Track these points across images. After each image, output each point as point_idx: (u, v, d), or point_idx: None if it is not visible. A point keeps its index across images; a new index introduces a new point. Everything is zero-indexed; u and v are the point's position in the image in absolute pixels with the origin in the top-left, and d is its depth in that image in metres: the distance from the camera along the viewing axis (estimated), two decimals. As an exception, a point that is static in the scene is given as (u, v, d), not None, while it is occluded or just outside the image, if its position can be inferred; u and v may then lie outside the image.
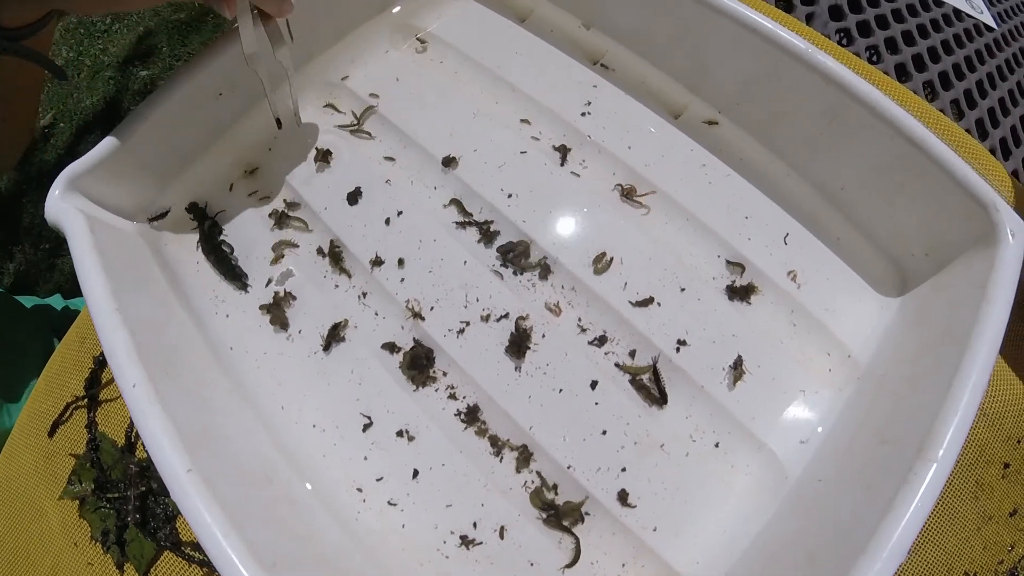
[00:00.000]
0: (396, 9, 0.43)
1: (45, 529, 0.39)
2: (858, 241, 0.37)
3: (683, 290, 0.34)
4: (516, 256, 0.34)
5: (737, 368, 0.33)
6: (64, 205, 0.33)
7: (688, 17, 0.36)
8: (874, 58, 0.47)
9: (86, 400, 0.41)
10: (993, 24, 0.54)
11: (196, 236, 0.38)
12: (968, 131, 0.47)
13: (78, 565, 0.35)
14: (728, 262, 0.35)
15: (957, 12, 0.53)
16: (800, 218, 0.37)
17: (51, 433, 0.41)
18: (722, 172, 0.37)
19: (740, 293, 0.35)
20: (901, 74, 0.47)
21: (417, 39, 0.43)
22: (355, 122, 0.40)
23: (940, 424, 0.26)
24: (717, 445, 0.32)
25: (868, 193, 0.36)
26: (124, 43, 1.49)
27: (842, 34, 0.48)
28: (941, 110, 0.46)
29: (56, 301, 0.63)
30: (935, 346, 0.31)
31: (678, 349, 0.33)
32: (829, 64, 0.33)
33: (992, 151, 0.47)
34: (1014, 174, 0.48)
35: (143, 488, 0.37)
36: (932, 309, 0.33)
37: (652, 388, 0.33)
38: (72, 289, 0.70)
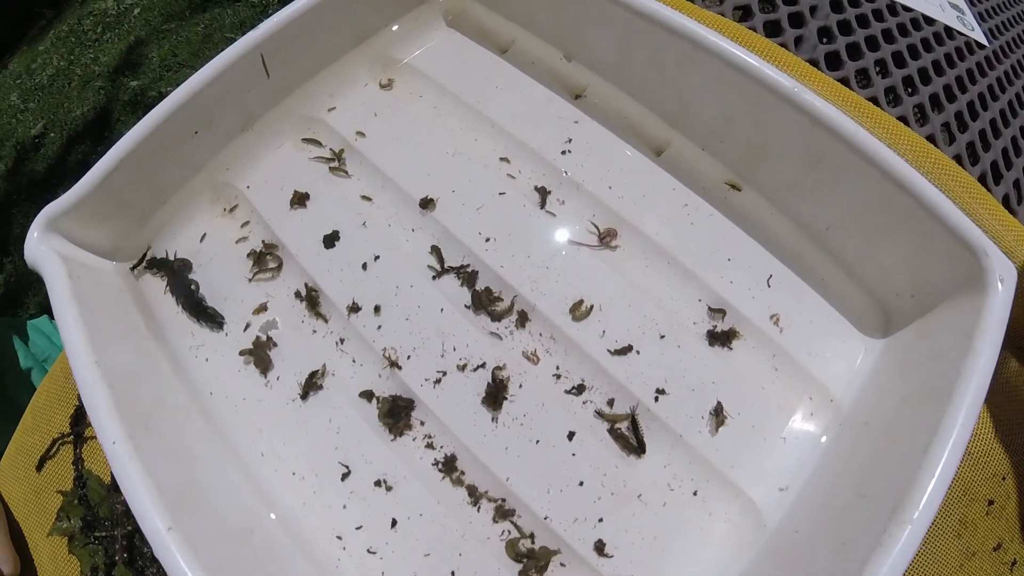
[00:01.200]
0: (375, 41, 0.42)
1: (37, 562, 0.39)
2: (843, 281, 0.36)
3: (663, 337, 0.33)
4: (493, 303, 0.34)
5: (717, 415, 0.32)
6: (43, 248, 0.33)
7: (667, 50, 0.35)
8: (864, 82, 0.45)
9: (72, 437, 0.41)
10: (984, 41, 0.53)
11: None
12: (959, 156, 0.45)
13: None
14: (709, 307, 0.34)
15: (948, 30, 0.52)
16: (784, 259, 0.36)
17: (39, 468, 0.41)
18: (705, 212, 0.36)
19: (721, 339, 0.34)
20: (891, 98, 0.46)
21: (395, 72, 0.42)
22: (333, 158, 0.39)
23: (917, 485, 0.25)
24: (695, 493, 0.32)
25: (854, 234, 0.35)
26: (114, 52, 1.48)
27: (832, 58, 0.46)
28: (931, 136, 0.45)
29: (43, 323, 0.62)
30: (917, 397, 0.30)
31: (656, 398, 0.32)
32: (817, 105, 0.32)
33: (983, 176, 0.46)
34: (1005, 199, 0.47)
35: (129, 527, 0.37)
36: (916, 355, 0.33)
37: (630, 437, 0.32)
38: None
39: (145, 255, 0.39)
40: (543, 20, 0.40)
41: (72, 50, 1.53)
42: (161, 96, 1.36)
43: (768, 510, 0.31)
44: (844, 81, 0.44)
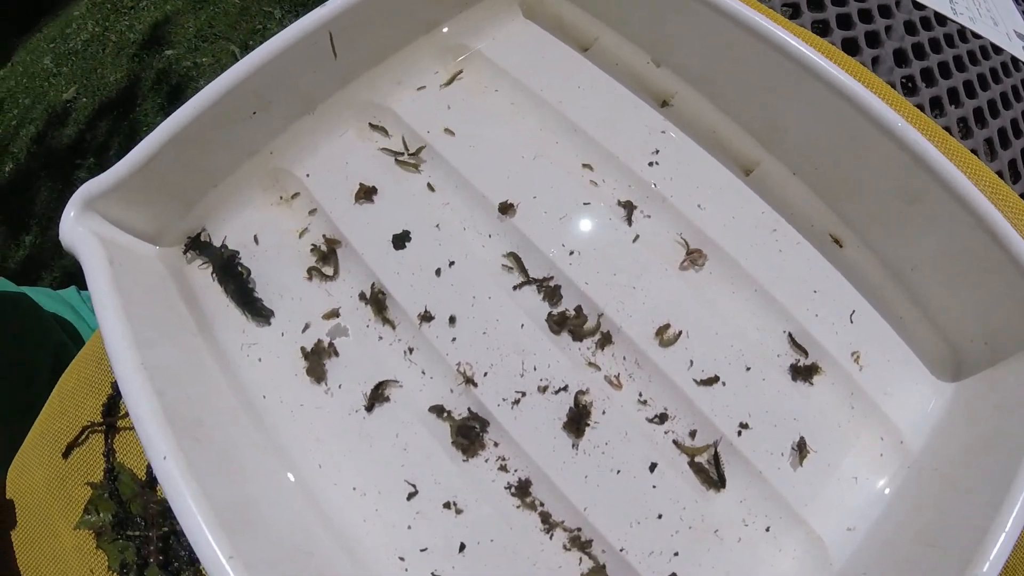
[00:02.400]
0: (446, 27, 0.38)
1: (58, 550, 0.37)
2: (919, 321, 0.35)
3: (748, 369, 0.32)
4: (577, 321, 0.32)
5: (800, 451, 0.31)
6: (80, 229, 0.30)
7: (769, 68, 0.33)
8: (938, 111, 0.44)
9: (103, 426, 0.38)
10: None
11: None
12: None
13: None
14: (792, 339, 0.33)
15: (1015, 61, 0.51)
16: (867, 295, 0.34)
17: (65, 455, 0.39)
18: (793, 239, 0.35)
19: (803, 373, 0.33)
20: (962, 129, 0.44)
21: (467, 61, 0.39)
22: (402, 151, 0.36)
23: (988, 541, 0.25)
24: (768, 529, 0.31)
25: (937, 276, 0.33)
26: (150, 21, 1.42)
27: (906, 80, 0.45)
28: (1000, 172, 0.44)
29: (70, 294, 0.58)
30: (987, 448, 0.30)
31: (739, 432, 0.31)
32: (921, 144, 0.31)
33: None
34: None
35: (165, 528, 0.35)
36: (985, 405, 0.32)
37: (711, 471, 0.31)
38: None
39: (195, 237, 0.35)
40: (633, 20, 0.37)
41: (107, 16, 1.47)
42: (196, 67, 1.30)
43: (835, 549, 0.31)
44: (921, 109, 0.43)
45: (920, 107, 0.43)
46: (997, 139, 0.45)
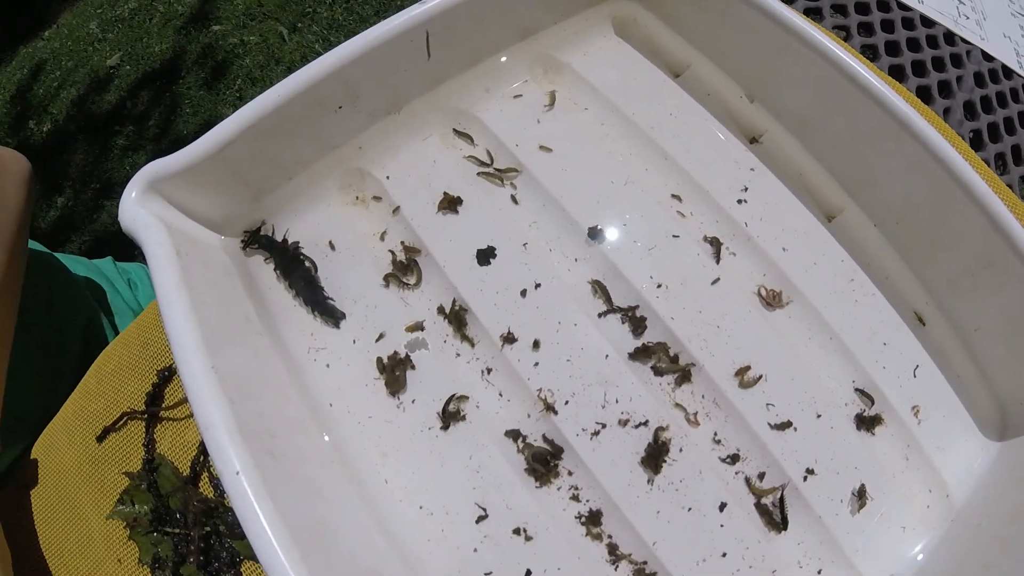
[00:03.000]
0: (538, 37, 0.37)
1: (84, 535, 0.36)
2: (975, 380, 0.35)
3: (819, 416, 0.32)
4: (659, 357, 0.32)
5: (860, 498, 0.32)
6: (143, 212, 0.28)
7: (868, 120, 0.33)
8: (1001, 168, 0.45)
9: (145, 415, 0.37)
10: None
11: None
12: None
13: None
14: (859, 390, 0.34)
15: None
16: (930, 350, 0.35)
17: (100, 439, 0.37)
18: (868, 290, 0.35)
19: (867, 423, 0.33)
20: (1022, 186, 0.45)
21: (557, 74, 0.38)
22: (488, 161, 0.35)
23: None
24: (820, 572, 0.32)
25: (999, 339, 0.34)
26: None
27: (973, 134, 0.45)
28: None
29: (105, 264, 0.56)
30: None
31: (805, 477, 0.32)
32: (1004, 213, 0.31)
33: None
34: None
35: (207, 528, 0.34)
36: None
37: (775, 512, 0.31)
38: (117, 249, 0.63)
39: (258, 230, 0.34)
40: (730, 51, 0.37)
41: None
42: (242, 44, 1.25)
43: (879, 595, 0.32)
44: (986, 164, 0.44)
45: (986, 162, 0.44)
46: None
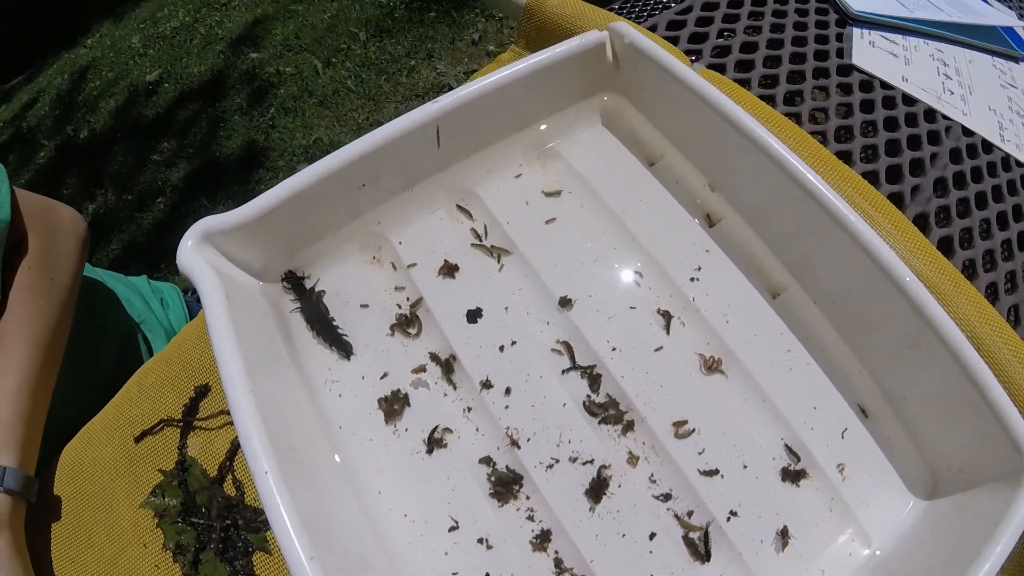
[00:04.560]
0: (534, 127, 0.44)
1: (113, 521, 0.41)
2: (905, 444, 0.39)
3: (745, 467, 0.37)
4: (610, 408, 0.37)
5: (783, 537, 0.36)
6: (198, 259, 0.34)
7: (808, 215, 0.37)
8: (965, 244, 0.47)
9: (180, 423, 0.43)
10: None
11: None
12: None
13: (144, 565, 0.39)
14: (788, 447, 0.38)
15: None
16: (860, 416, 0.39)
17: (138, 440, 0.43)
18: (803, 360, 0.39)
19: (792, 476, 0.38)
20: (988, 262, 0.47)
21: (548, 161, 0.44)
22: (483, 235, 0.42)
23: None
24: (739, 600, 0.37)
25: (927, 409, 0.37)
26: (240, 21, 1.46)
27: (940, 211, 0.47)
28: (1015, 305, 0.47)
29: (140, 283, 0.62)
30: (941, 564, 0.34)
31: (729, 518, 0.37)
32: (931, 306, 0.35)
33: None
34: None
35: (228, 521, 0.40)
36: (948, 527, 0.36)
37: (700, 546, 0.36)
38: (144, 262, 0.69)
39: (292, 272, 0.41)
40: (697, 146, 0.42)
41: (199, 9, 1.51)
42: (278, 74, 1.34)
43: (792, 630, 0.36)
44: (948, 239, 0.46)
45: (949, 239, 0.46)
46: (1020, 272, 0.48)
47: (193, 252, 0.34)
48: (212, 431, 0.43)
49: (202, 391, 0.43)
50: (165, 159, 1.27)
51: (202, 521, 0.40)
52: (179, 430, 0.43)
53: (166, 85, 1.44)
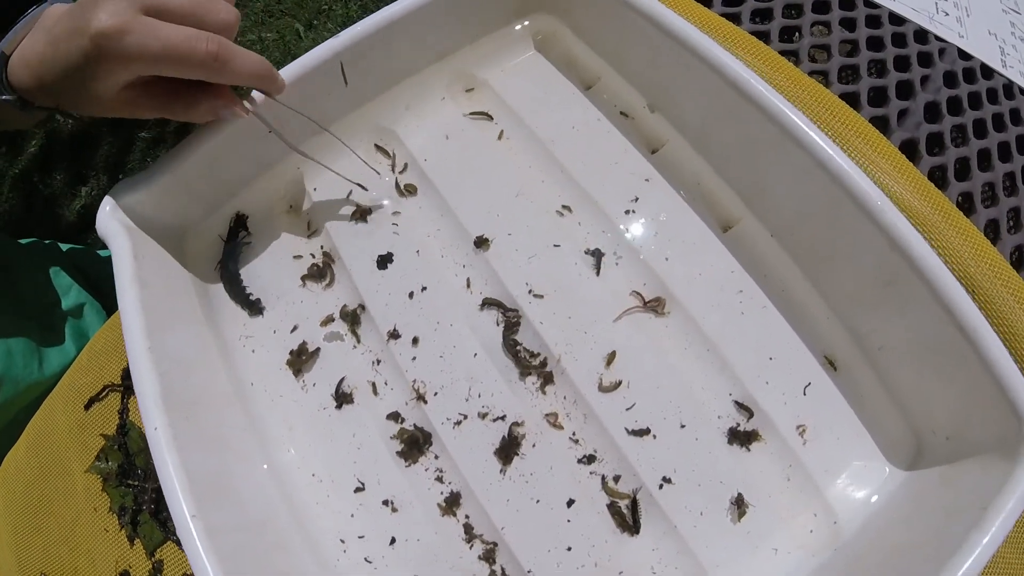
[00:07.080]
0: (457, 55, 0.37)
1: (70, 487, 0.39)
2: (882, 404, 0.31)
3: (683, 426, 0.31)
4: (526, 357, 0.31)
5: (736, 507, 0.30)
6: (113, 223, 0.31)
7: (758, 130, 0.30)
8: (963, 175, 0.38)
9: (122, 387, 0.40)
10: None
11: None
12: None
13: (95, 529, 0.36)
14: (737, 403, 0.31)
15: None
16: (828, 369, 0.32)
17: (87, 407, 0.41)
18: (758, 303, 0.32)
19: (741, 438, 0.31)
20: (989, 196, 0.39)
21: (474, 90, 0.38)
22: (398, 177, 0.36)
23: None
24: (674, 580, 0.30)
25: (907, 361, 0.30)
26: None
27: (932, 137, 0.39)
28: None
29: (105, 255, 0.60)
30: (917, 549, 0.27)
31: (661, 485, 0.30)
32: (901, 229, 0.27)
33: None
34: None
35: (159, 483, 0.38)
36: (930, 503, 0.29)
37: (627, 516, 0.30)
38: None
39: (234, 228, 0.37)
40: (633, 63, 0.35)
41: None
42: (260, 40, 1.31)
43: (738, 613, 0.29)
44: (942, 169, 0.38)
45: (943, 168, 0.38)
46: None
47: (110, 217, 0.31)
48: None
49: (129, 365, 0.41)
50: (154, 135, 1.25)
51: (137, 483, 0.37)
52: (120, 394, 0.40)
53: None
